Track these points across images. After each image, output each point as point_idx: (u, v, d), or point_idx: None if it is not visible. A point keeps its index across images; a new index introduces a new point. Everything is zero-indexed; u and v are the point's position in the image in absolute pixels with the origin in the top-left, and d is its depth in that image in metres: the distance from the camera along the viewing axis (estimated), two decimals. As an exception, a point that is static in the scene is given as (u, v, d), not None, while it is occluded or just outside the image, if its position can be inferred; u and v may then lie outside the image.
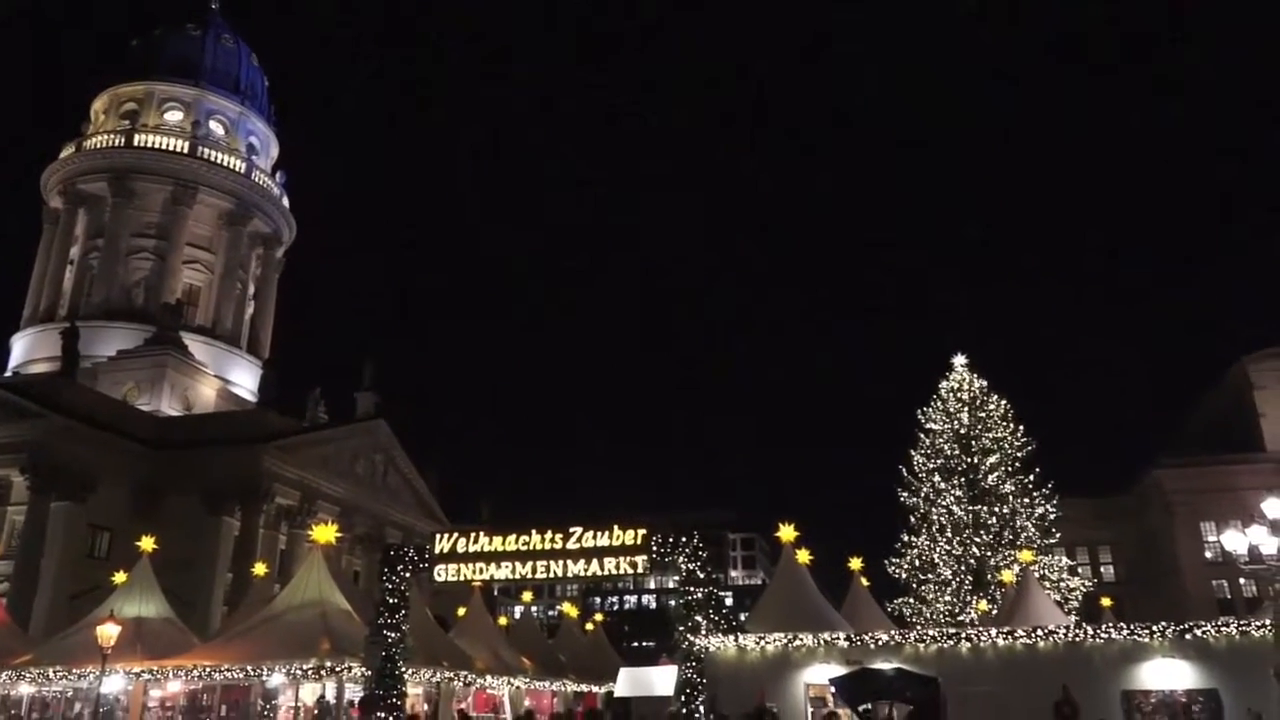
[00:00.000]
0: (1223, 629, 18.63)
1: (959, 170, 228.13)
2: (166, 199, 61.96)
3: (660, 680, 22.22)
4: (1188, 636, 18.58)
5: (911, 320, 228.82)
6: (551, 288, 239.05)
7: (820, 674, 19.44)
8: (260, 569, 32.31)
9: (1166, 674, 18.47)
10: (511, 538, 21.70)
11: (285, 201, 69.30)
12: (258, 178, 66.06)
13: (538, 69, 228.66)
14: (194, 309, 61.36)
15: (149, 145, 62.55)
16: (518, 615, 75.24)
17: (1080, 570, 49.18)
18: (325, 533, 25.36)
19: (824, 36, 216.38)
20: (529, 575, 21.84)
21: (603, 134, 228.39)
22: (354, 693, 23.41)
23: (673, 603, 22.87)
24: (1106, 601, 35.56)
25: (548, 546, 21.46)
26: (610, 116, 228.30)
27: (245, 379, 61.19)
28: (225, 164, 64.10)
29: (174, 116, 64.87)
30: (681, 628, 20.35)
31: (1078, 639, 19.14)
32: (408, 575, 22.18)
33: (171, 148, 62.79)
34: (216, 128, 66.16)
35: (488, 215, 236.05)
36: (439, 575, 21.98)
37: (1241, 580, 51.98)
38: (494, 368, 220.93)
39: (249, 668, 23.26)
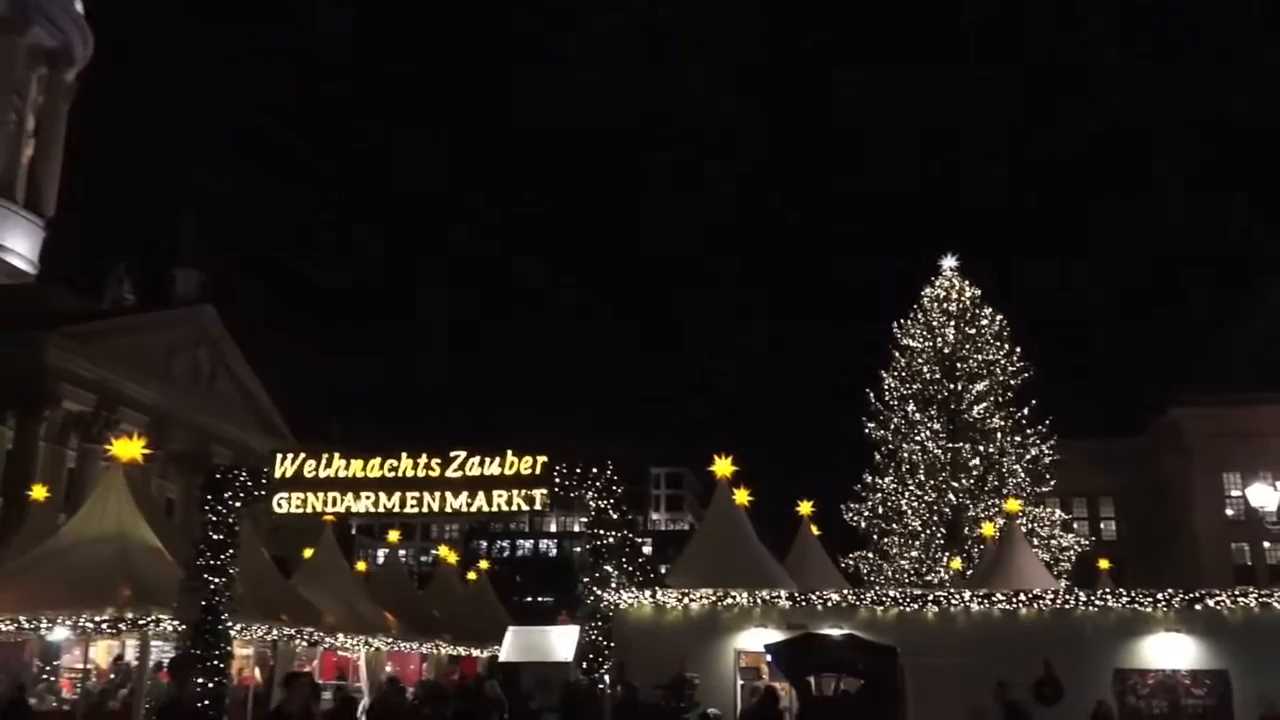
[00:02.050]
0: (1239, 600, 19.61)
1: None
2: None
3: (557, 643, 22.64)
4: (1197, 607, 19.50)
5: (894, 206, 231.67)
6: (447, 136, 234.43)
7: (755, 639, 20.00)
8: (39, 492, 31.63)
9: (1169, 651, 19.45)
10: (375, 462, 21.65)
11: (79, 6, 65.87)
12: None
13: None
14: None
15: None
16: (381, 560, 75.71)
17: (1076, 526, 51.47)
18: (129, 448, 24.85)
19: None
20: (396, 509, 21.89)
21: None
22: (163, 653, 23.28)
23: (577, 549, 23.18)
24: (1104, 564, 37.22)
25: (422, 474, 21.48)
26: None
27: (20, 243, 58.75)
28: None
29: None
30: (586, 579, 20.68)
31: (1067, 606, 20.00)
32: (238, 505, 22.02)
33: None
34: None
35: (368, 38, 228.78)
36: (279, 506, 21.86)
37: (1266, 544, 54.78)
38: (366, 245, 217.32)
39: (22, 619, 22.83)
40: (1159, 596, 19.70)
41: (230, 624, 21.71)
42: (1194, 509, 57.67)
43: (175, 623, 21.74)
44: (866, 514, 42.88)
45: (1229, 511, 57.40)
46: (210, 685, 20.66)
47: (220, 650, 21.21)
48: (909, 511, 42.00)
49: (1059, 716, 18.38)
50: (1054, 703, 18.67)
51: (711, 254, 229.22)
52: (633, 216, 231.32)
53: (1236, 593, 19.94)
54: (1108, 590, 20.82)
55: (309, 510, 21.97)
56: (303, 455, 22.18)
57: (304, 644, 26.31)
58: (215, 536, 21.65)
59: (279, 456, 22.31)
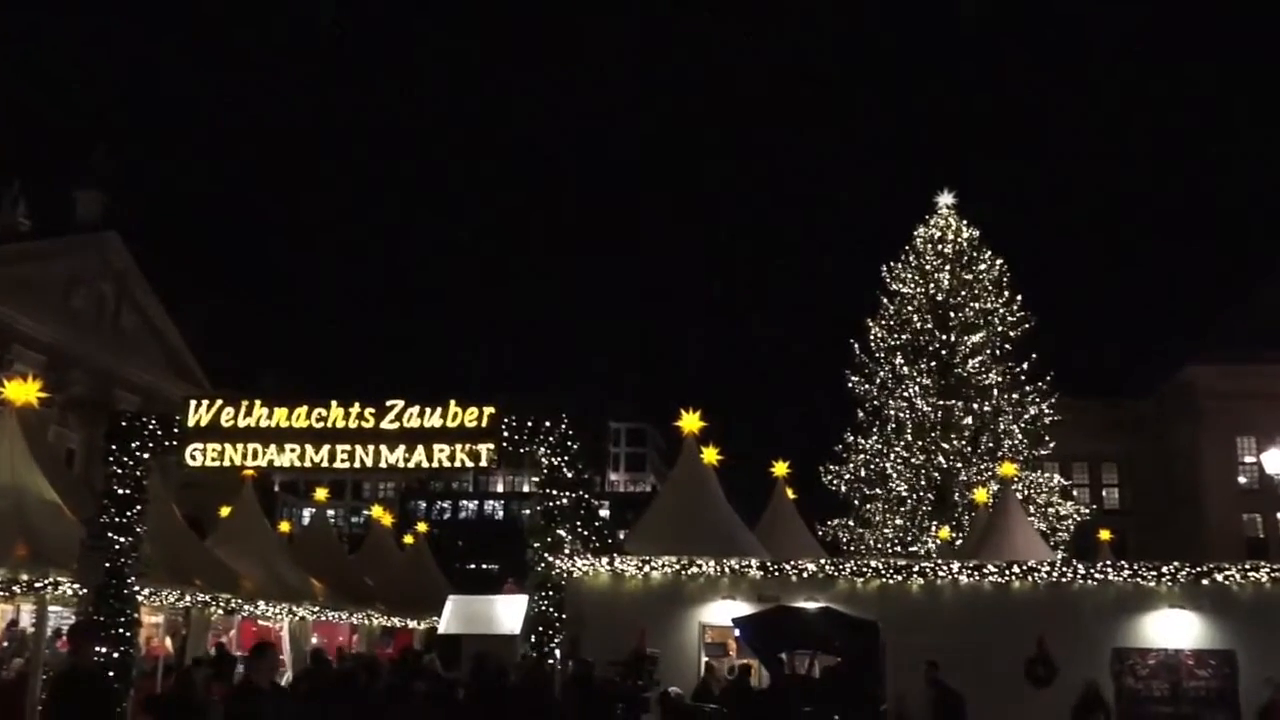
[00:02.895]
0: (1250, 574, 19.91)
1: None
2: None
3: (503, 614, 22.77)
4: (1204, 582, 19.82)
5: (887, 136, 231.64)
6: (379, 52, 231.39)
7: (722, 612, 20.16)
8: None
9: (1172, 629, 19.79)
10: (301, 411, 21.54)
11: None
12: None
13: None
14: None
15: None
16: (306, 521, 75.66)
17: (1076, 493, 52.16)
18: (24, 390, 24.55)
19: None
20: (325, 464, 21.82)
21: None
22: (62, 619, 23.18)
23: (526, 511, 23.23)
24: (1105, 534, 37.75)
25: (354, 425, 21.40)
26: None
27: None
28: None
29: None
30: (537, 544, 20.72)
31: (1064, 580, 20.28)
32: (146, 457, 21.85)
33: None
34: None
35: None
36: (192, 459, 21.73)
37: (1280, 515, 55.86)
38: (298, 170, 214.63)
39: (-100, 580, 22.70)
40: (1163, 570, 19.97)
41: (137, 588, 21.61)
42: (1204, 477, 58.44)
43: (76, 586, 21.63)
44: (848, 477, 43.30)
45: (1242, 480, 58.29)
46: (115, 655, 20.60)
47: (126, 617, 21.12)
48: (894, 475, 42.42)
49: (1050, 698, 18.68)
50: (1047, 683, 18.99)
51: (674, 178, 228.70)
52: (596, 139, 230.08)
53: (1247, 567, 20.19)
54: (1108, 563, 21.06)
55: (226, 464, 21.83)
56: (220, 402, 22.01)
57: (220, 612, 26.28)
58: (120, 491, 21.49)
59: (192, 403, 22.15)
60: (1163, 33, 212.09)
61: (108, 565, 21.07)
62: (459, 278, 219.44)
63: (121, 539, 21.26)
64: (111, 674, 20.17)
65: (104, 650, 20.38)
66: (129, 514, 21.47)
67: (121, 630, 20.95)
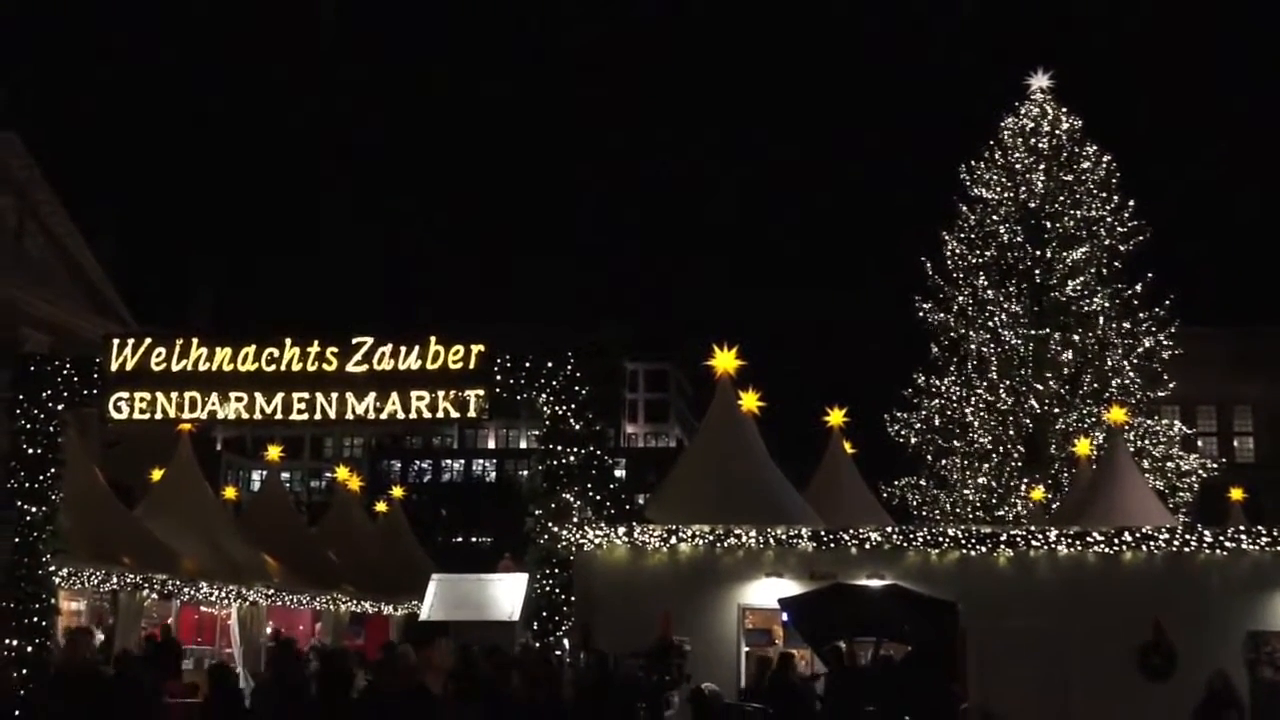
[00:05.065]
0: None
1: None
2: None
3: (499, 597, 22.95)
4: (1363, 550, 19.92)
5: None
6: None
7: (766, 592, 20.30)
8: None
9: (1320, 607, 19.88)
10: (249, 350, 21.66)
11: None
12: None
13: None
14: None
15: None
16: (256, 486, 76.13)
17: (1202, 444, 51.90)
18: (-93, 329, 24.77)
19: None
20: (278, 416, 21.97)
21: None
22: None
23: (524, 472, 23.26)
24: (1237, 493, 37.59)
25: (313, 368, 21.53)
26: None
27: None
28: None
29: None
30: (538, 511, 20.86)
31: (1186, 549, 20.34)
32: (60, 408, 22.04)
33: None
34: None
35: None
36: (116, 410, 21.89)
37: None
38: (240, 66, 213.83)
39: None
40: (1308, 537, 20.05)
41: (53, 567, 21.81)
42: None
43: (-19, 566, 21.86)
44: (918, 427, 43.23)
45: None
46: (29, 649, 20.84)
47: (41, 603, 21.37)
48: (976, 423, 42.34)
49: (1169, 693, 18.75)
50: (1165, 675, 19.10)
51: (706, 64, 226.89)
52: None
53: None
54: (1240, 529, 21.08)
55: (157, 416, 21.99)
56: (148, 341, 22.12)
57: (154, 596, 26.53)
58: (30, 451, 21.67)
59: (115, 343, 22.24)
60: None
61: (17, 540, 21.27)
62: (435, 186, 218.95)
63: (33, 509, 21.49)
64: (25, 671, 20.45)
65: (15, 643, 20.69)
66: (41, 478, 21.68)
67: (36, 619, 21.17)
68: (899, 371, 44.28)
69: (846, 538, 20.83)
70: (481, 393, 21.18)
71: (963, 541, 20.73)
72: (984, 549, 20.58)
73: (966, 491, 42.25)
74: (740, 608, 20.81)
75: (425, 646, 11.26)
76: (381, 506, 42.07)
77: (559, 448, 21.04)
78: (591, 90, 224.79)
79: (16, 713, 16.67)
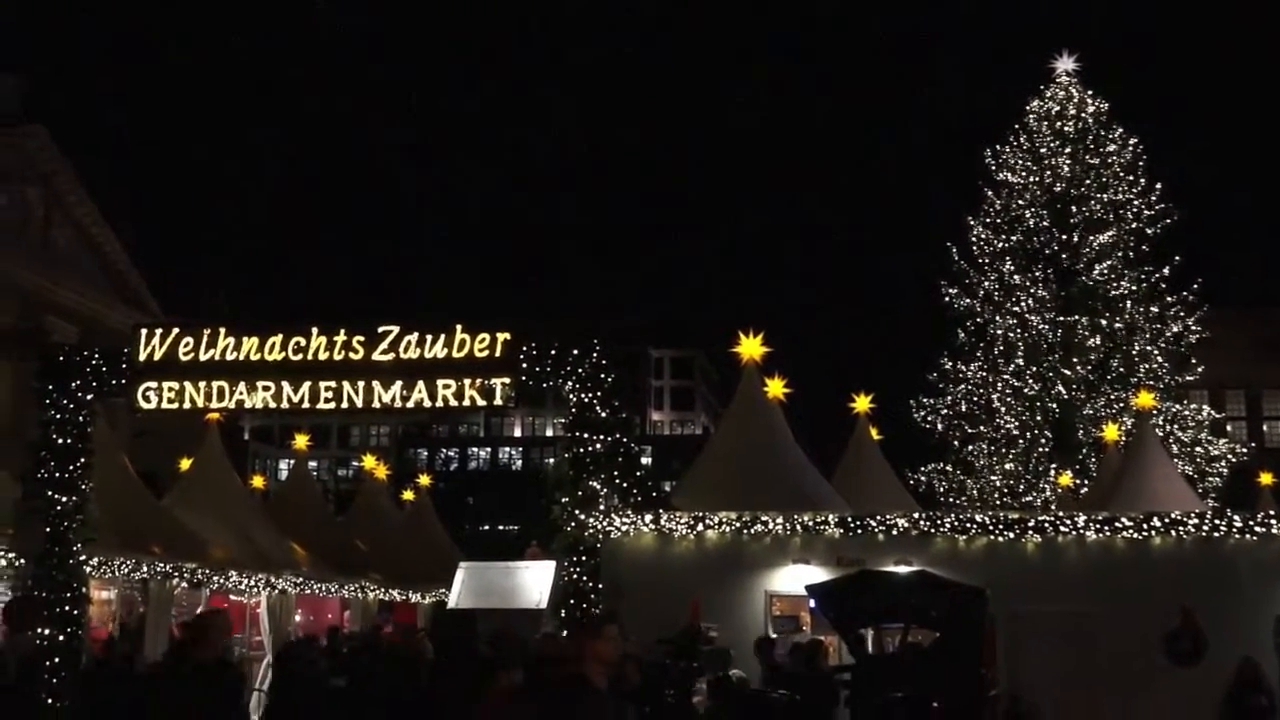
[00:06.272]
0: None
1: None
2: None
3: (526, 584, 22.93)
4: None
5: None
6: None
7: (793, 579, 20.27)
8: None
9: (1353, 593, 19.81)
10: (276, 340, 21.60)
11: None
12: None
13: None
14: None
15: None
16: (284, 475, 76.33)
17: (1231, 428, 51.71)
18: (-63, 321, 24.89)
19: None
20: (306, 405, 21.89)
21: None
22: (-3, 594, 23.69)
23: (550, 460, 23.29)
24: (1267, 478, 37.54)
25: (340, 357, 21.47)
26: None
27: None
28: None
29: None
30: (565, 499, 20.86)
31: (1216, 534, 20.28)
32: (89, 398, 22.07)
33: None
34: None
35: None
36: (145, 400, 21.87)
37: None
38: (268, 57, 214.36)
39: None
40: (1342, 521, 20.01)
41: (84, 558, 21.89)
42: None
43: (11, 555, 21.99)
44: (945, 412, 43.23)
45: None
46: (60, 638, 20.96)
47: (73, 592, 21.43)
48: (1003, 409, 42.32)
49: (1198, 680, 18.68)
50: (1193, 662, 18.99)
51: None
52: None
53: None
54: (1271, 513, 21.03)
55: (186, 406, 21.94)
56: (176, 331, 22.07)
57: (184, 585, 26.65)
58: (60, 441, 21.69)
59: (143, 333, 22.16)
60: None
61: (48, 530, 21.32)
62: (462, 181, 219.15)
63: (64, 498, 21.49)
64: (58, 660, 20.61)
65: (46, 632, 20.80)
66: (71, 468, 21.70)
67: (68, 608, 21.23)
68: (925, 358, 44.26)
69: (873, 524, 20.79)
70: (508, 381, 21.13)
71: (990, 527, 20.67)
72: (1012, 535, 20.53)
73: (994, 477, 42.29)
74: (767, 594, 20.77)
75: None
76: (408, 495, 42.27)
77: (585, 435, 20.98)
78: (614, 78, 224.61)
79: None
